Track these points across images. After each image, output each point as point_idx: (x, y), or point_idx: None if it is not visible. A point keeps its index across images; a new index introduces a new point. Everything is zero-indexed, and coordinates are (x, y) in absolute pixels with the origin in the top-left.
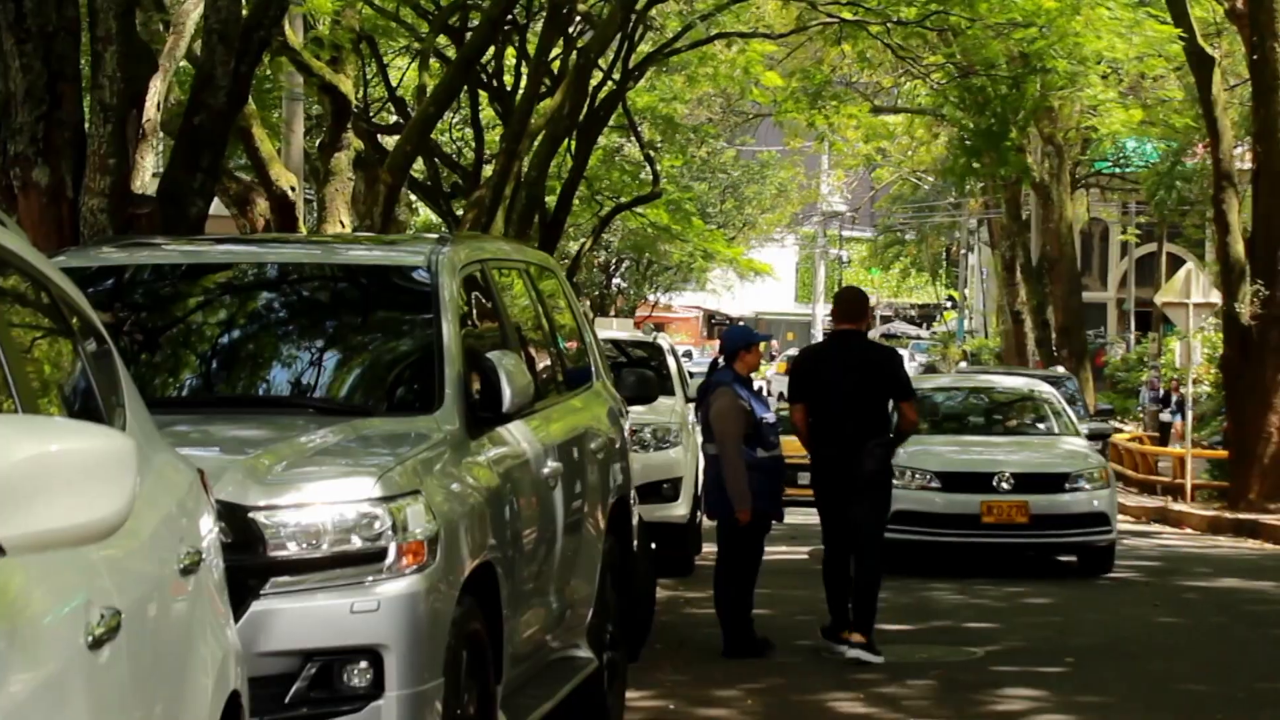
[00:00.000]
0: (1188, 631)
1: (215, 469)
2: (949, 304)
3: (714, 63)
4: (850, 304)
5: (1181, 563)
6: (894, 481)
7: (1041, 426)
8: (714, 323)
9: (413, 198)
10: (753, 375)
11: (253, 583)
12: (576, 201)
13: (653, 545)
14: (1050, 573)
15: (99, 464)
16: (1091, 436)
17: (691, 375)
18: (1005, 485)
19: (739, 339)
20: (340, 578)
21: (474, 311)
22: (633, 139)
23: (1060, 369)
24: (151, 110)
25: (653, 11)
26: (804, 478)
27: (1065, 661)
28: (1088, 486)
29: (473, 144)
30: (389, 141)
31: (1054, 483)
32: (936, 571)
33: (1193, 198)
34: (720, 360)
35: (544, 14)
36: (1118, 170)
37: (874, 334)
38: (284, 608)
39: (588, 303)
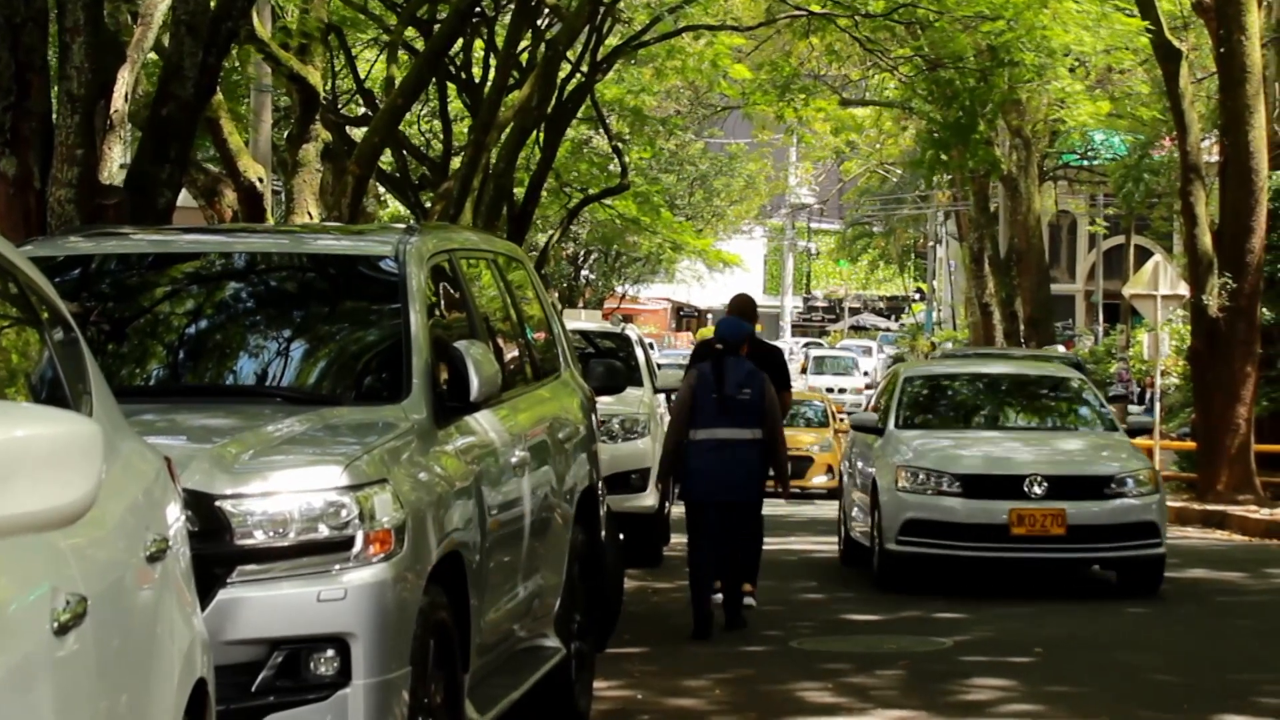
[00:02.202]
0: (1156, 622)
1: (182, 458)
2: (917, 296)
3: (682, 55)
4: (746, 307)
5: None
6: (906, 485)
7: (1075, 420)
8: (682, 314)
9: (381, 190)
10: None
11: (219, 571)
12: (545, 193)
13: (620, 536)
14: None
15: (64, 449)
16: (1132, 432)
17: (660, 367)
18: (1038, 490)
19: (743, 331)
20: (307, 566)
21: (442, 301)
22: (601, 131)
23: (1060, 348)
24: (119, 101)
25: (621, 4)
26: None
27: (1034, 652)
28: (1134, 491)
29: (441, 136)
30: (357, 133)
31: (1094, 487)
32: (954, 590)
33: (1160, 190)
34: (720, 347)
35: (512, 6)
36: (1085, 163)
37: (842, 325)
38: (251, 596)
39: (556, 294)
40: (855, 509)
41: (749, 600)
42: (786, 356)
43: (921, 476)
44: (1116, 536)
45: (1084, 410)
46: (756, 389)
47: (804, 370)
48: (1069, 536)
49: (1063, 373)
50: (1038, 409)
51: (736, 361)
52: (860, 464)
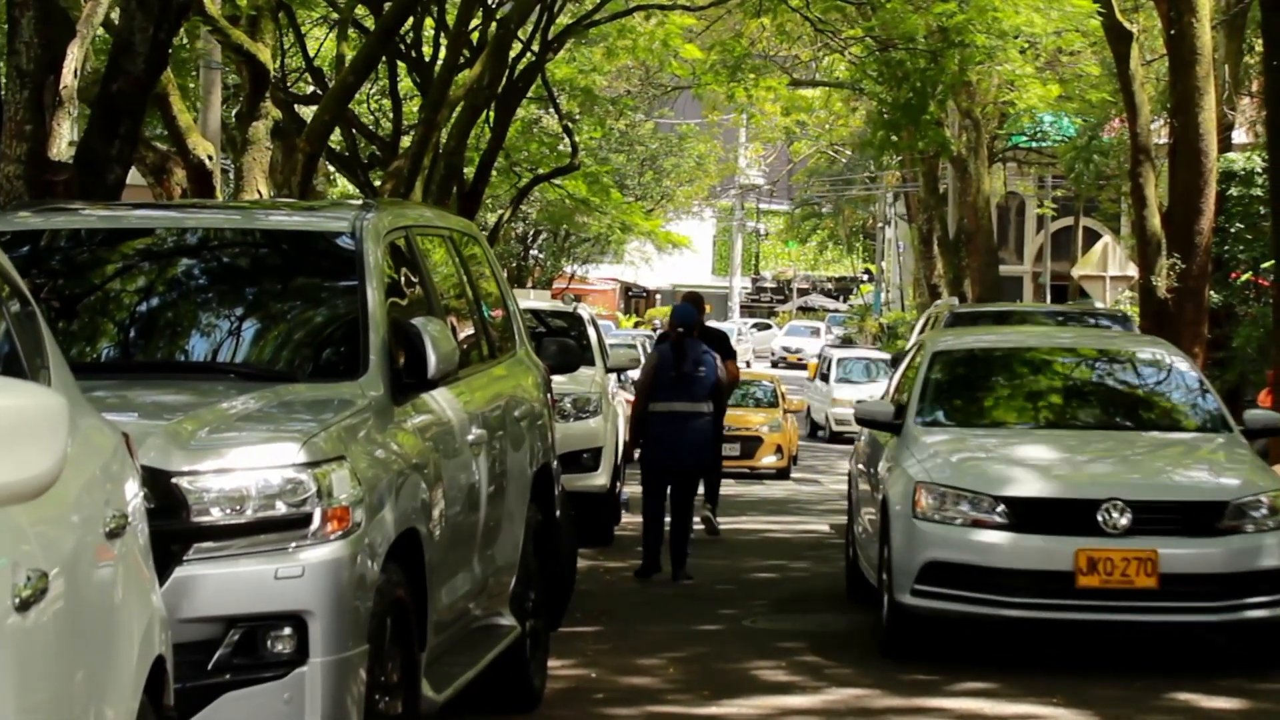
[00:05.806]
0: None
1: (137, 434)
2: (865, 277)
3: (633, 35)
4: (697, 300)
5: None
6: (928, 511)
7: (1173, 416)
8: (631, 295)
9: (330, 168)
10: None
11: (176, 548)
12: (495, 173)
13: (572, 514)
14: None
15: (30, 422)
16: (1253, 433)
17: (612, 347)
18: (1119, 521)
19: (697, 317)
20: (264, 543)
21: (399, 278)
22: (551, 111)
23: (1098, 303)
24: (69, 77)
25: None
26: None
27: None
28: (1260, 523)
29: (391, 115)
30: (307, 112)
31: (1201, 517)
32: (989, 660)
33: (1109, 172)
34: (680, 330)
35: None
36: (1035, 144)
37: (790, 306)
38: (207, 574)
39: (505, 274)
40: (864, 533)
41: (706, 514)
42: (735, 337)
43: (950, 499)
44: (1232, 591)
45: (1183, 401)
46: (710, 366)
47: (825, 378)
48: (1162, 591)
49: (1150, 346)
50: (1117, 399)
51: (693, 343)
52: (872, 470)
